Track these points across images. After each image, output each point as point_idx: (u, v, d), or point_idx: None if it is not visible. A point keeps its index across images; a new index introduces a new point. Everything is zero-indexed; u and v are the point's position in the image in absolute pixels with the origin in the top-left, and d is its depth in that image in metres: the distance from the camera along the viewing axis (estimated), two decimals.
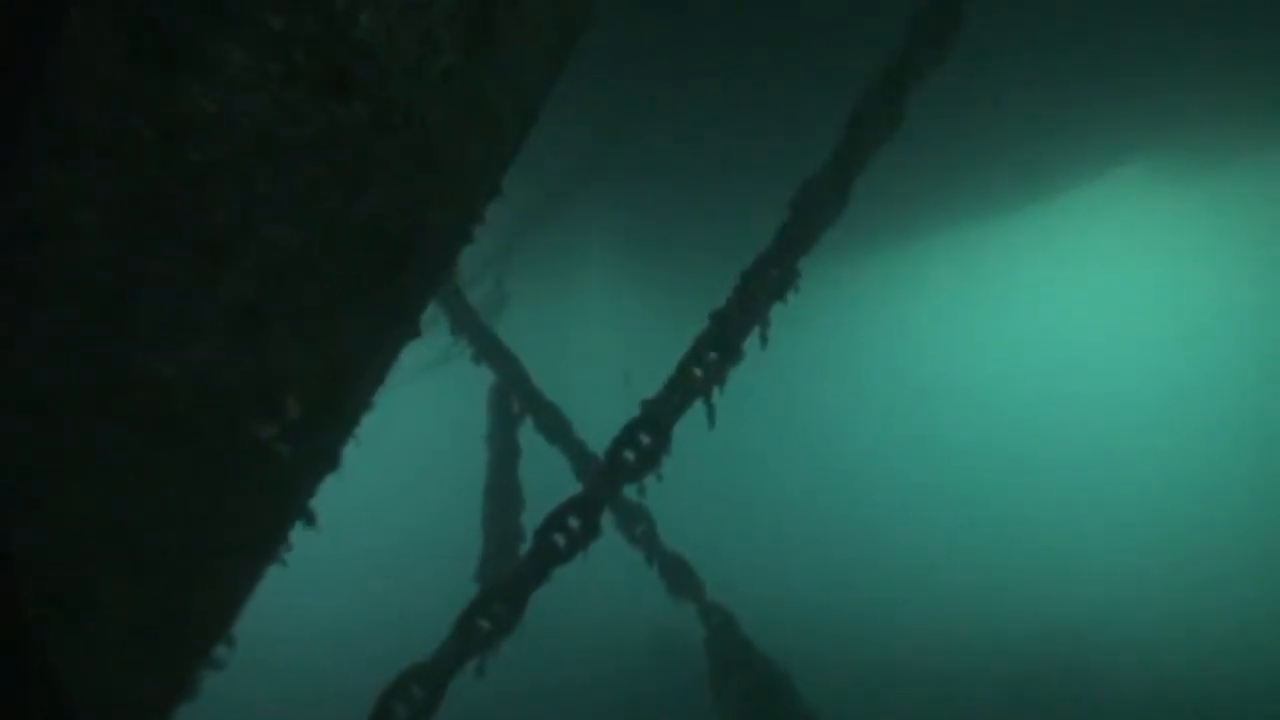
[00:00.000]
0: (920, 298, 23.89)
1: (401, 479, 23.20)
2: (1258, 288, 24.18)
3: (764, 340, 4.73)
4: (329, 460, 3.51)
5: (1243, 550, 17.07)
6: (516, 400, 7.27)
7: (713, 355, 4.63)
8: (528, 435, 7.29)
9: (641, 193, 13.61)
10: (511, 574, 4.47)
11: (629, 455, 4.54)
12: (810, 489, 24.32)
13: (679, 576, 7.22)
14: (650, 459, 4.55)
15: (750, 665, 6.89)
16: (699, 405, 4.72)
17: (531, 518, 5.32)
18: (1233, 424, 24.74)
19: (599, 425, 6.12)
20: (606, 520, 7.33)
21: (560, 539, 4.48)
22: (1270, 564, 15.47)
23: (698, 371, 4.61)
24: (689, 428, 4.68)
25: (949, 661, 11.96)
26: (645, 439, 4.54)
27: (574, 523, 4.47)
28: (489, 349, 7.32)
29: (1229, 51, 10.59)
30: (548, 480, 6.63)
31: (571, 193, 12.87)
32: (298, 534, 3.48)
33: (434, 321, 9.06)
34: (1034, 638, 12.93)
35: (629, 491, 4.80)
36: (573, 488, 4.97)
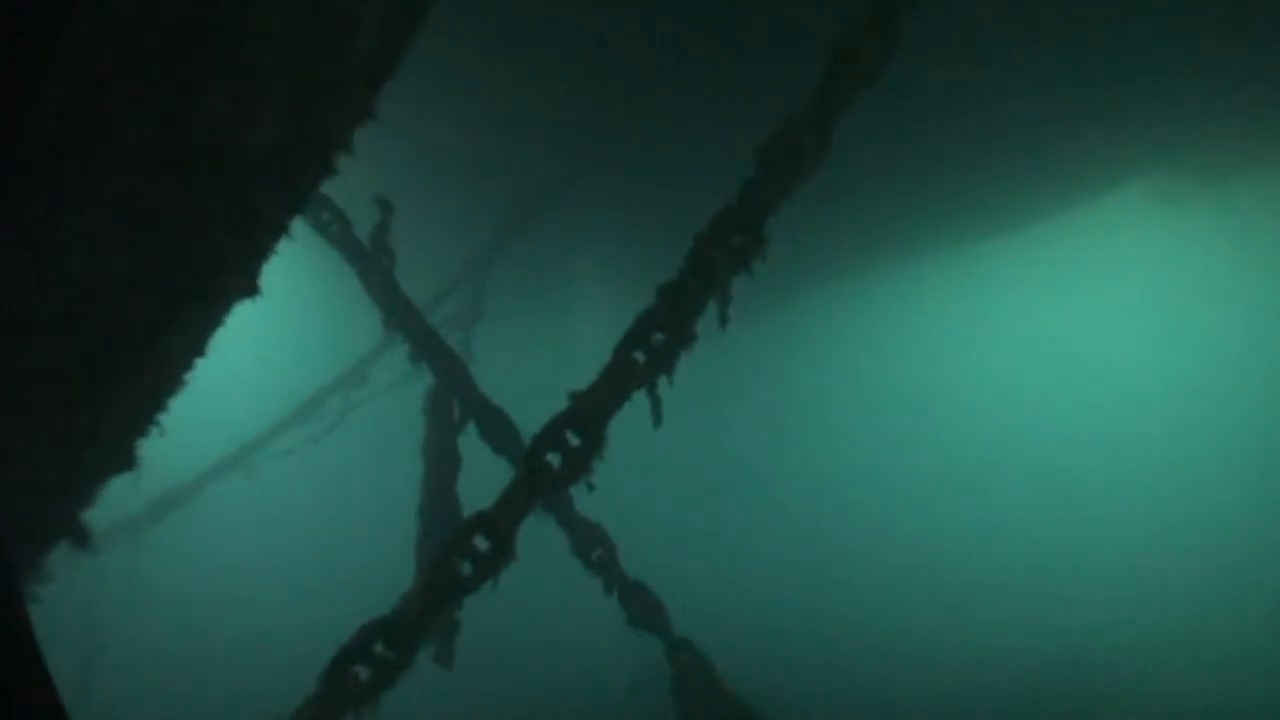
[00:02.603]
0: (922, 311, 23.20)
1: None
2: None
3: (723, 320, 3.85)
4: (112, 454, 2.61)
5: (1246, 565, 16.59)
6: (458, 405, 6.38)
7: (659, 337, 3.75)
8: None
9: (634, 195, 12.78)
10: (400, 608, 3.57)
11: (552, 460, 3.65)
12: (800, 507, 23.40)
13: (642, 607, 6.30)
14: (580, 464, 3.66)
15: (720, 710, 5.97)
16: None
17: None
18: (1238, 443, 23.97)
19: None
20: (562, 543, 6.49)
21: (464, 564, 3.59)
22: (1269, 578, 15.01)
23: (640, 357, 3.73)
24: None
25: (946, 691, 11.34)
26: (573, 440, 3.66)
27: (481, 544, 3.57)
28: (427, 346, 6.43)
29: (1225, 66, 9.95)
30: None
31: (560, 198, 12.01)
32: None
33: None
34: (1036, 656, 12.51)
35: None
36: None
